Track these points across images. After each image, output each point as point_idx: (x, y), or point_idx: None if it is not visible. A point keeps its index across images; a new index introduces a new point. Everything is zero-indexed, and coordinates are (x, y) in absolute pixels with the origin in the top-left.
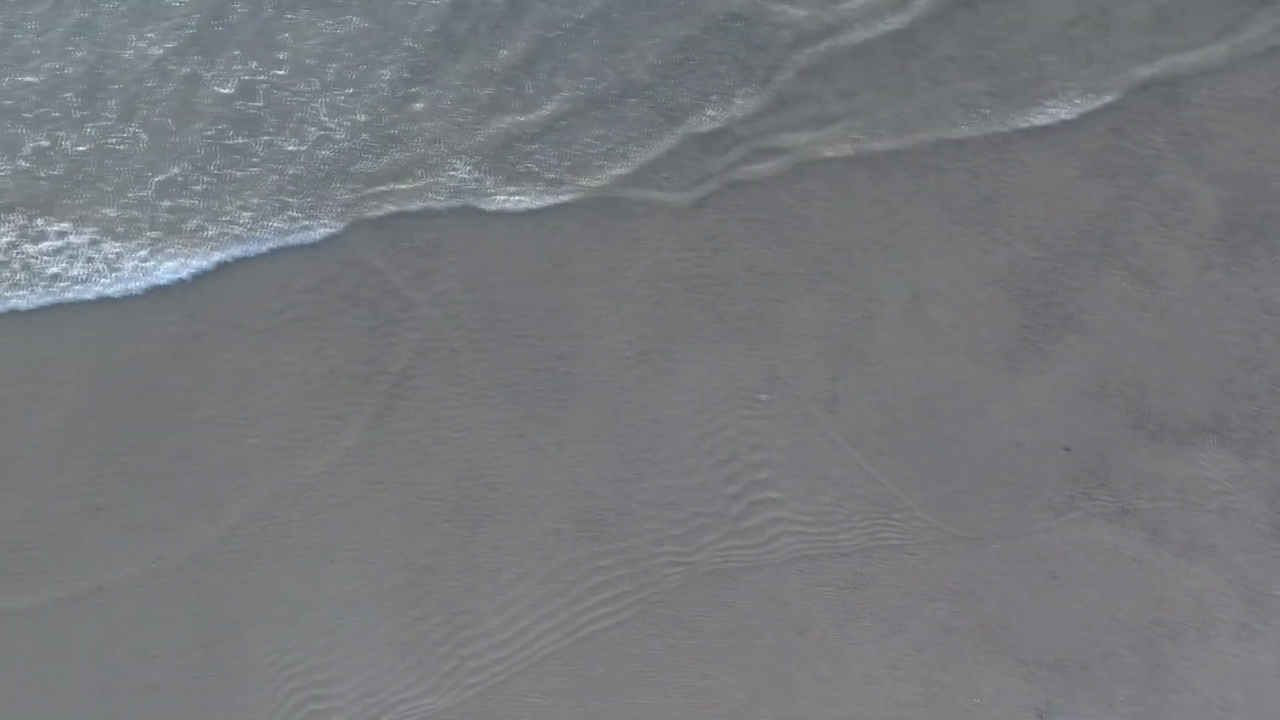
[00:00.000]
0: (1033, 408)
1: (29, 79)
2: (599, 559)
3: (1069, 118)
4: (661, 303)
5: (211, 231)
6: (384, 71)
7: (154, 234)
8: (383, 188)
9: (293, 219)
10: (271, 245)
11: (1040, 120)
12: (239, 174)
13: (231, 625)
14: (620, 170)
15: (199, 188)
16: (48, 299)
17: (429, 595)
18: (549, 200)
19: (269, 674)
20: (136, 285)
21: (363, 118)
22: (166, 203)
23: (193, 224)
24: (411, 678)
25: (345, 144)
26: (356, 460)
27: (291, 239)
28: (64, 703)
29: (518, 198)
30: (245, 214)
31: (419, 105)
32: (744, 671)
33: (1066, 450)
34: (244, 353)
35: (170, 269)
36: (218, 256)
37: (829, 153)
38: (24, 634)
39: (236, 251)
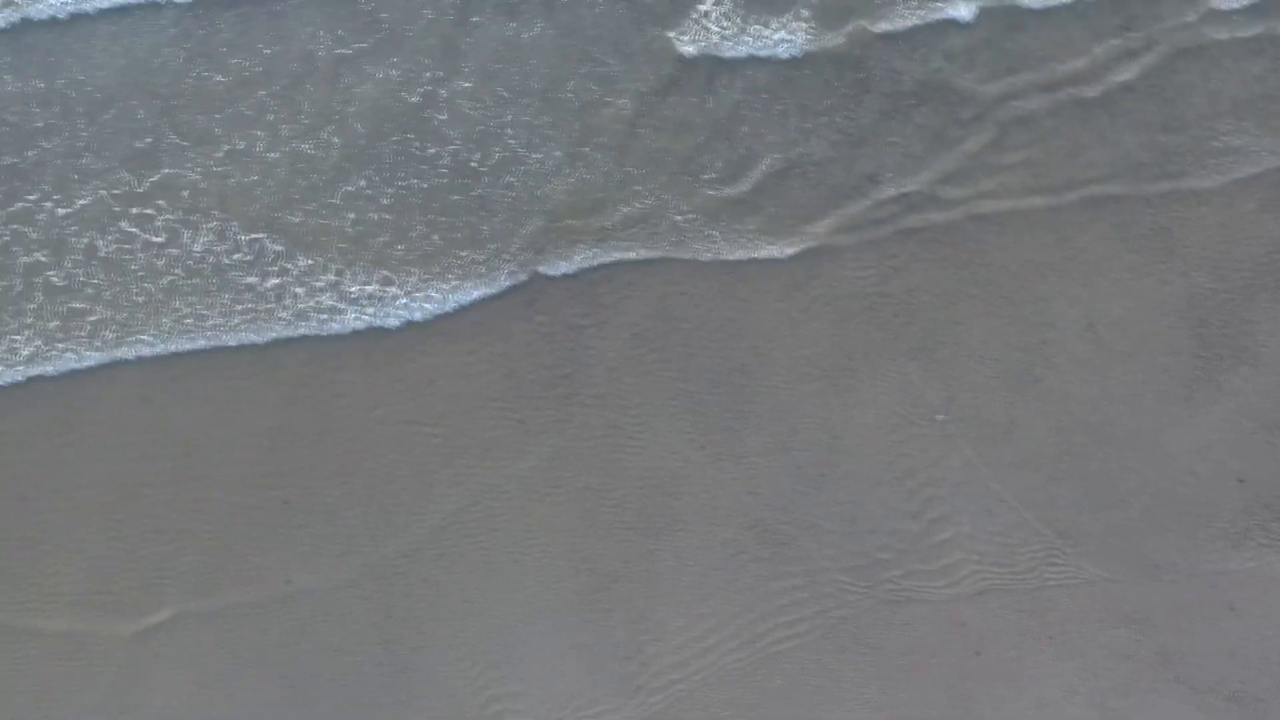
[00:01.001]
0: (1207, 438)
1: (219, 78)
2: (778, 572)
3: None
4: (841, 320)
5: (400, 250)
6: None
7: (343, 245)
8: (573, 221)
9: (479, 246)
10: (457, 280)
11: (1219, 151)
12: (424, 185)
13: (414, 623)
14: (816, 227)
15: (386, 201)
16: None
17: (611, 601)
18: (740, 254)
19: (452, 673)
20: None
21: (557, 151)
22: (352, 215)
23: (380, 240)
24: (593, 681)
25: (535, 168)
26: (537, 464)
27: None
28: (251, 697)
29: (714, 248)
30: (433, 236)
31: (607, 142)
32: (921, 690)
33: (1240, 482)
34: (426, 354)
35: (358, 289)
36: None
37: (1008, 193)
38: (215, 635)
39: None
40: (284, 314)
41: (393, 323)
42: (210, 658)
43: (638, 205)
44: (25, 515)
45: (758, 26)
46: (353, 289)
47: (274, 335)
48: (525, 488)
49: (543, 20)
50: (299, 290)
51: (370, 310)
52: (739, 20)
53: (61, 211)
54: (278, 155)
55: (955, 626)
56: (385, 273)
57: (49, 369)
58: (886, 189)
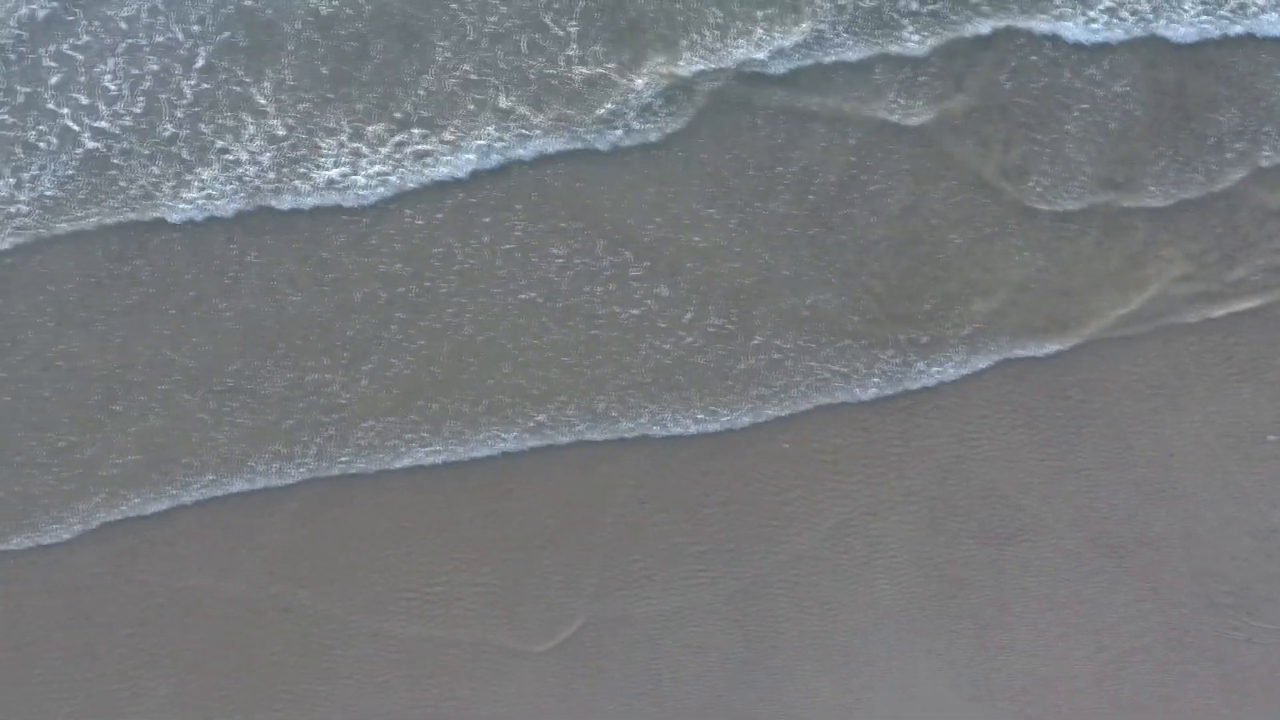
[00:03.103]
0: None
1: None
2: (1120, 585)
3: None
4: (1172, 339)
5: None
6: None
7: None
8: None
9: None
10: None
11: None
12: None
13: (772, 624)
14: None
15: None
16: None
17: (960, 608)
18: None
19: (810, 672)
20: None
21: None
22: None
23: None
24: (945, 685)
25: None
26: (885, 473)
27: None
28: (616, 701)
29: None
30: None
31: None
32: (1268, 709)
33: None
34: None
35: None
36: None
37: None
38: (561, 665)
39: None
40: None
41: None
42: (565, 686)
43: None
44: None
45: None
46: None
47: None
48: (874, 494)
49: None
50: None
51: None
52: None
53: None
54: None
55: None
56: None
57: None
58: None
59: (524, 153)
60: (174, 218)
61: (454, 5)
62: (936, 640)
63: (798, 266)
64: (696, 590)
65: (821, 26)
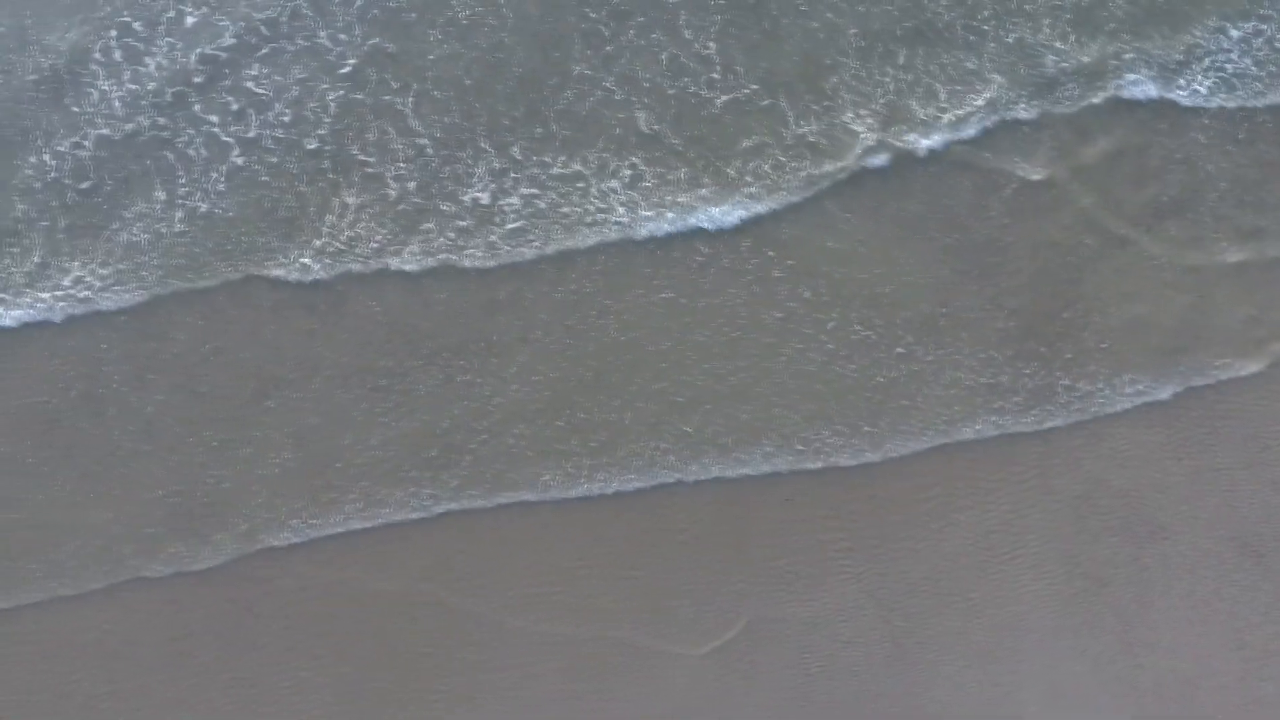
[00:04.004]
0: None
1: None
2: (1261, 584)
3: None
4: None
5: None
6: None
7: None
8: None
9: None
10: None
11: None
12: None
13: (919, 619)
14: None
15: None
16: None
17: (1103, 604)
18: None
19: (957, 667)
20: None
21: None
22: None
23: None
24: (1090, 679)
25: None
26: (1026, 471)
27: None
28: (768, 696)
29: None
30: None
31: None
32: None
33: None
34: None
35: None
36: None
37: None
38: (718, 667)
39: None
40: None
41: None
42: (721, 687)
43: None
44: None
45: None
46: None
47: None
48: (1015, 492)
49: None
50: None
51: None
52: None
53: None
54: None
55: None
56: None
57: None
58: None
59: (761, 208)
60: (409, 266)
61: (687, 81)
62: (1080, 636)
63: (966, 297)
64: (843, 587)
65: (999, 94)
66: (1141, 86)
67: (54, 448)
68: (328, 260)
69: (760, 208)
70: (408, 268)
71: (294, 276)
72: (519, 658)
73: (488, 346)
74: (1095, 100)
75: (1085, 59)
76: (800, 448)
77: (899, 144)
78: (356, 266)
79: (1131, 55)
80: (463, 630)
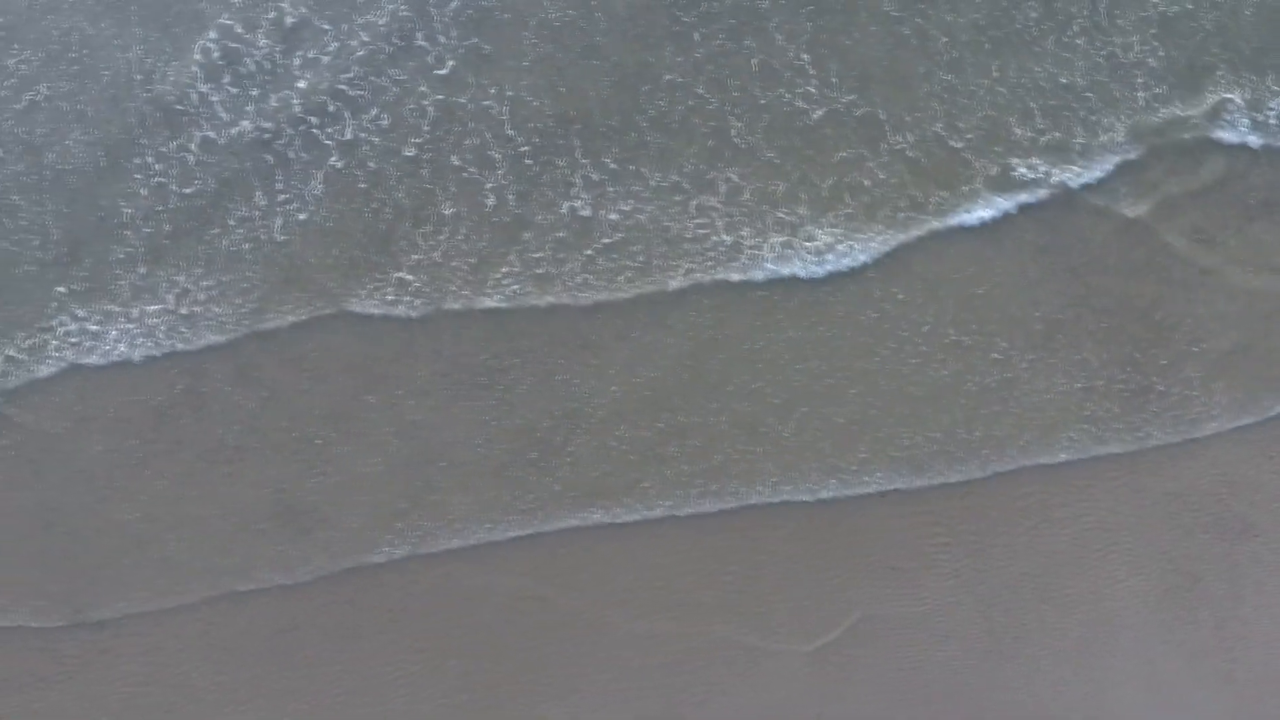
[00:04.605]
0: None
1: None
2: None
3: None
4: None
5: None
6: None
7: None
8: None
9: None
10: None
11: None
12: None
13: (1017, 614)
14: None
15: None
16: None
17: (1197, 600)
18: None
19: (1052, 660)
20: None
21: None
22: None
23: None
24: (1186, 674)
25: None
26: (1118, 470)
27: None
28: (867, 691)
29: None
30: None
31: None
32: None
33: None
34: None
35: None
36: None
37: None
38: (819, 663)
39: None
40: None
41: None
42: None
43: None
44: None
45: None
46: None
47: None
48: (1107, 490)
49: None
50: None
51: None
52: None
53: None
54: None
55: None
56: None
57: None
58: None
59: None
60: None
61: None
62: (1175, 631)
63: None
64: (940, 583)
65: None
66: (1236, 129)
67: (162, 442)
68: (425, 276)
69: (863, 231)
70: (502, 287)
71: (391, 294)
72: (620, 653)
73: (584, 344)
74: (1191, 137)
75: (1183, 100)
76: (895, 454)
77: (999, 169)
78: (454, 287)
79: (1230, 97)
80: (565, 625)
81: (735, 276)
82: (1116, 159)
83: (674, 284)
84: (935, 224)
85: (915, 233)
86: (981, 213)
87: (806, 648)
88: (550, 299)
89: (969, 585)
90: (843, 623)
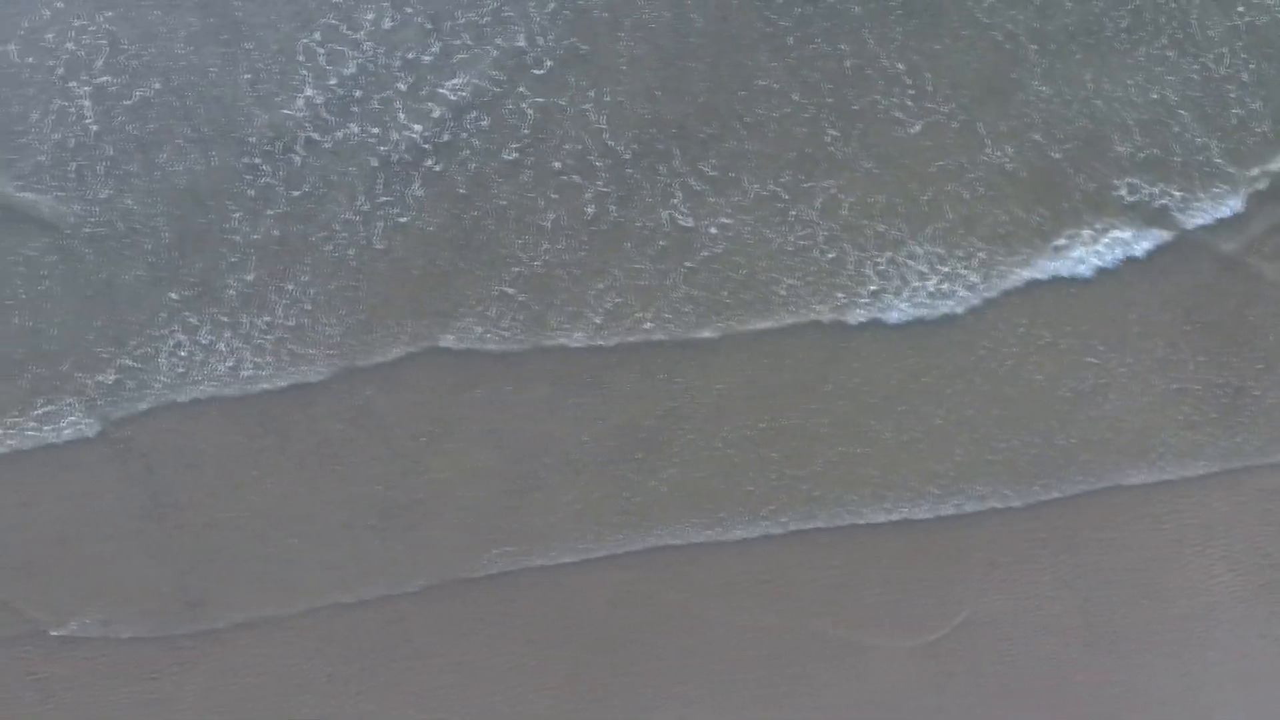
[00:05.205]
0: None
1: None
2: None
3: None
4: None
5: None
6: None
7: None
8: None
9: None
10: None
11: None
12: None
13: (1114, 609)
14: None
15: None
16: None
17: None
18: None
19: (1147, 654)
20: None
21: None
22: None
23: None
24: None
25: None
26: (1211, 468)
27: None
28: (966, 685)
29: None
30: None
31: None
32: None
33: None
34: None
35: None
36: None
37: None
38: (922, 657)
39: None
40: None
41: None
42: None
43: None
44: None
45: None
46: None
47: None
48: (1205, 484)
49: None
50: None
51: None
52: None
53: None
54: None
55: None
56: None
57: None
58: None
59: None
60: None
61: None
62: (1272, 626)
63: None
64: (1038, 577)
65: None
66: None
67: (270, 436)
68: (526, 288)
69: (963, 248)
70: (604, 299)
71: (494, 309)
72: (724, 645)
73: (687, 342)
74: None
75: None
76: (991, 456)
77: (1098, 187)
78: (558, 300)
79: None
80: (669, 618)
81: (840, 295)
82: (1218, 185)
83: (777, 298)
84: (1036, 264)
85: (1016, 277)
86: (1082, 252)
87: (911, 644)
88: (651, 313)
89: (1066, 580)
90: (952, 620)
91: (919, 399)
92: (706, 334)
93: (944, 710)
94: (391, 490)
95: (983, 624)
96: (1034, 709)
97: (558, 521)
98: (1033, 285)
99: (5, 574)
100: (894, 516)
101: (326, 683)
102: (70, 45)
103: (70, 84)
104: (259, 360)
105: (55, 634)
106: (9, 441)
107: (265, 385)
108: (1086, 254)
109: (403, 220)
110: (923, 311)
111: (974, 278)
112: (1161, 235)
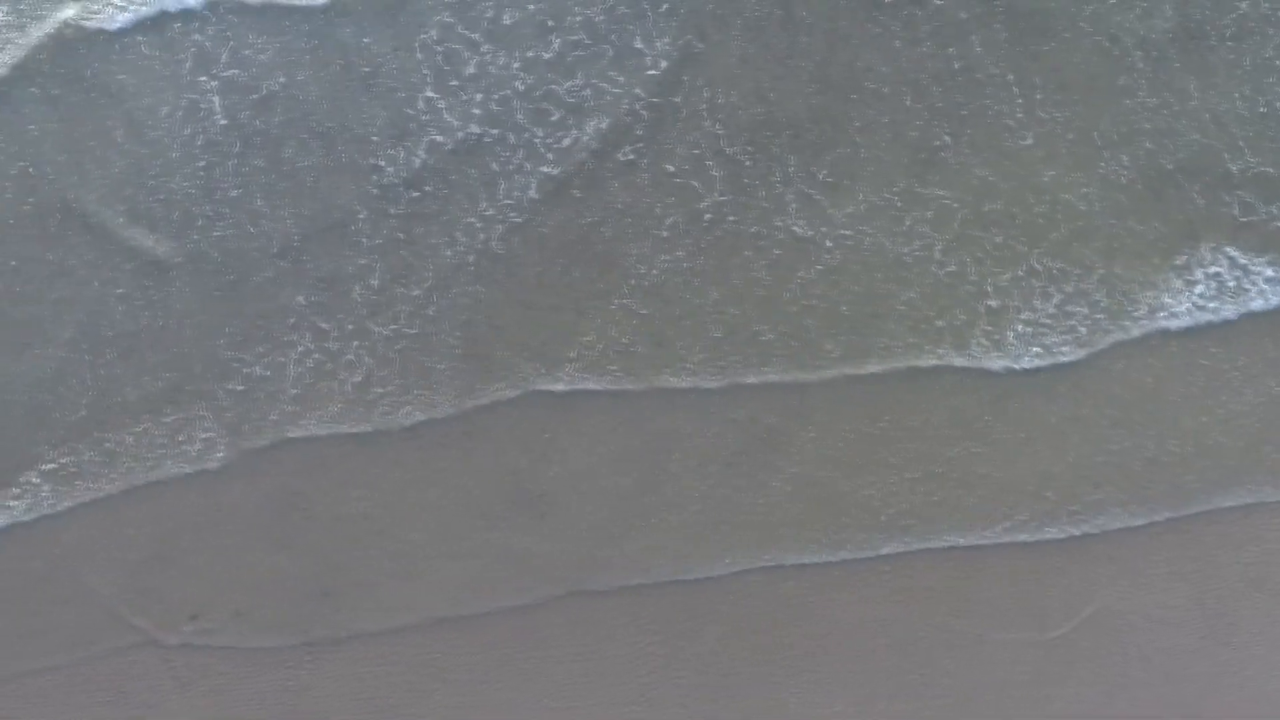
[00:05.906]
0: None
1: None
2: None
3: None
4: None
5: None
6: None
7: None
8: None
9: None
10: None
11: None
12: None
13: (1229, 601)
14: None
15: None
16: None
17: None
18: None
19: (1263, 646)
20: None
21: None
22: None
23: None
24: None
25: None
26: None
27: None
28: (1085, 677)
29: None
30: None
31: None
32: None
33: None
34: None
35: None
36: None
37: None
38: (1045, 648)
39: None
40: None
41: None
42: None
43: None
44: None
45: None
46: None
47: None
48: None
49: None
50: None
51: None
52: None
53: None
54: None
55: None
56: None
57: None
58: None
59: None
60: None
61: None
62: None
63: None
64: (1153, 569)
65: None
66: None
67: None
68: (643, 299)
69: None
70: (720, 309)
71: (617, 318)
72: (849, 634)
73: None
74: None
75: None
76: (1100, 459)
77: (1207, 203)
78: (676, 312)
79: None
80: (794, 607)
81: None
82: None
83: (896, 309)
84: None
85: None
86: (1188, 294)
87: (1040, 637)
88: (768, 325)
89: (1182, 573)
90: (1081, 613)
91: (1055, 430)
92: (828, 346)
93: (1054, 700)
94: (521, 478)
95: (1105, 618)
96: (1151, 702)
97: (682, 511)
98: (1166, 334)
99: (141, 568)
100: (1030, 536)
101: (452, 670)
102: (197, 37)
103: (200, 78)
104: (384, 374)
105: (189, 627)
106: (144, 454)
107: (384, 408)
108: (1218, 290)
109: (518, 220)
110: (1052, 359)
111: (1100, 305)
112: None
